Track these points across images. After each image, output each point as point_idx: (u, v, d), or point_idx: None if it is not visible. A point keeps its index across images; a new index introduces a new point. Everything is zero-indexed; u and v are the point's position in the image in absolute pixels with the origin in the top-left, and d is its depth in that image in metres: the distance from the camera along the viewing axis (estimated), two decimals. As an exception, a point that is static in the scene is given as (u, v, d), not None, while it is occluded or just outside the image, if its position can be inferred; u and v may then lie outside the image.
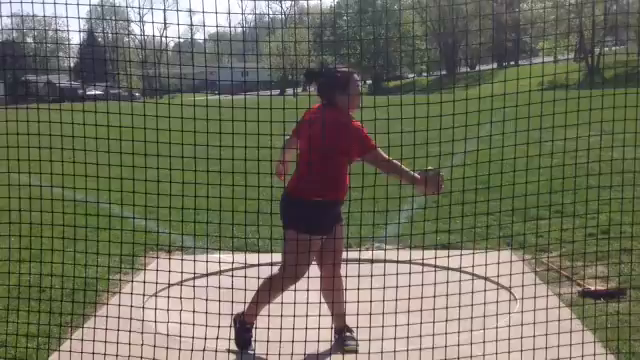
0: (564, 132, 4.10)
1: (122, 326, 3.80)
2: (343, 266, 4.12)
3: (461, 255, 3.99)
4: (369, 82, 46.76)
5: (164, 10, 4.59)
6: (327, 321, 4.13)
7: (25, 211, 4.29)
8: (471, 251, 4.84)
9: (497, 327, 3.74)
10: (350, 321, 4.14)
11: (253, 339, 4.09)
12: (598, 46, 42.00)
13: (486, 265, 4.00)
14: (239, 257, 4.55)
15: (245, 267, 4.30)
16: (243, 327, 4.14)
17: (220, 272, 4.58)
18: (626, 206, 4.67)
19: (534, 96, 4.16)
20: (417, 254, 4.72)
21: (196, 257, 5.20)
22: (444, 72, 42.92)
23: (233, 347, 4.03)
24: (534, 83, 4.31)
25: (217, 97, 4.49)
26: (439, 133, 3.86)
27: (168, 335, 3.84)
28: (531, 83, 4.15)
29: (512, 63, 43.36)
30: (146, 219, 6.26)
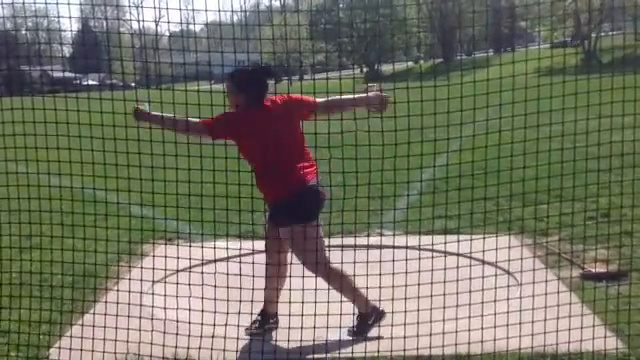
0: (563, 116, 4.10)
1: (128, 312, 3.81)
2: (352, 252, 4.17)
3: (471, 240, 4.00)
4: (365, 69, 46.64)
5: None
6: (335, 308, 4.13)
7: (34, 199, 4.28)
8: (476, 236, 4.84)
9: (508, 312, 3.74)
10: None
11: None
12: (595, 31, 41.89)
13: (497, 250, 4.02)
14: (246, 244, 4.55)
15: (253, 253, 4.30)
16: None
17: (228, 259, 4.57)
18: (626, 189, 4.66)
19: (532, 81, 4.15)
20: (418, 240, 4.71)
21: (202, 244, 5.20)
22: (441, 59, 42.81)
23: (242, 334, 4.04)
24: (531, 68, 4.30)
25: (216, 86, 4.47)
26: (437, 118, 3.86)
27: (178, 321, 3.84)
28: (525, 67, 4.14)
29: (509, 49, 43.22)
30: (153, 206, 6.25)
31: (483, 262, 4.43)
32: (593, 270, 5.09)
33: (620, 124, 4.14)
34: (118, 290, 4.27)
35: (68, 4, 4.09)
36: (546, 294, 3.80)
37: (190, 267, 4.29)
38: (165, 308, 3.95)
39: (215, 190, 3.89)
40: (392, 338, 3.62)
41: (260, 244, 4.83)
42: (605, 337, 3.72)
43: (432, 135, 3.89)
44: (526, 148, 4.11)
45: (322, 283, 3.87)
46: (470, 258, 4.39)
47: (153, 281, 4.35)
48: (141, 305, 3.95)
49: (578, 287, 4.69)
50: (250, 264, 3.89)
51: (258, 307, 4.21)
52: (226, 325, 3.64)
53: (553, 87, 4.07)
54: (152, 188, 3.88)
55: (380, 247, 4.50)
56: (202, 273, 3.92)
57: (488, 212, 5.34)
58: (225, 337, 3.67)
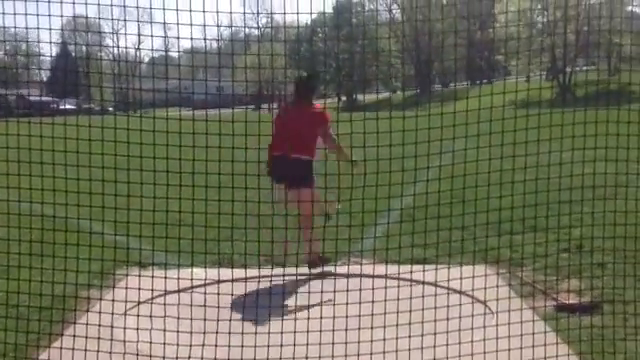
0: (537, 148, 4.14)
1: (91, 345, 3.73)
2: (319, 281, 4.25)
3: (436, 269, 3.99)
4: (343, 98, 46.92)
5: (137, 22, 4.54)
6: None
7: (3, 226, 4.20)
8: (446, 265, 4.85)
9: (472, 341, 3.73)
10: (326, 336, 4.11)
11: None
12: (569, 65, 42.70)
13: (461, 279, 4.00)
14: (212, 273, 4.51)
15: (218, 282, 4.26)
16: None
17: (192, 288, 4.54)
18: (598, 220, 4.71)
19: (506, 114, 4.20)
20: (393, 269, 4.71)
21: (168, 273, 5.14)
22: (418, 90, 43.29)
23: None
24: (506, 100, 4.37)
25: (191, 112, 4.46)
26: (414, 148, 3.88)
27: (138, 355, 3.77)
28: (500, 100, 4.20)
29: (485, 81, 43.88)
30: (115, 234, 6.19)
31: (448, 290, 4.43)
32: (566, 301, 5.11)
33: (592, 157, 4.20)
34: (75, 323, 4.19)
35: (49, 29, 4.07)
36: (509, 324, 3.80)
37: (152, 298, 4.24)
38: (125, 341, 3.88)
39: (180, 218, 3.86)
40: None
41: (226, 272, 4.80)
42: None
43: (400, 165, 3.91)
44: (501, 178, 4.14)
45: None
46: (436, 286, 4.39)
47: (112, 313, 4.27)
48: (99, 339, 3.87)
49: (551, 317, 4.71)
50: (215, 294, 3.86)
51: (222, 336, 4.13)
52: (189, 359, 3.57)
53: (525, 119, 4.12)
54: (114, 216, 3.83)
55: (347, 276, 4.48)
56: (164, 304, 3.87)
57: (462, 241, 5.36)
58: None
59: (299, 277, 5.33)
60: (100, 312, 4.04)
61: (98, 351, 3.70)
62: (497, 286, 4.57)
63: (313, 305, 5.02)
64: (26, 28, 4.23)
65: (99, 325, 3.89)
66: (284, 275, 5.34)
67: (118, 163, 3.92)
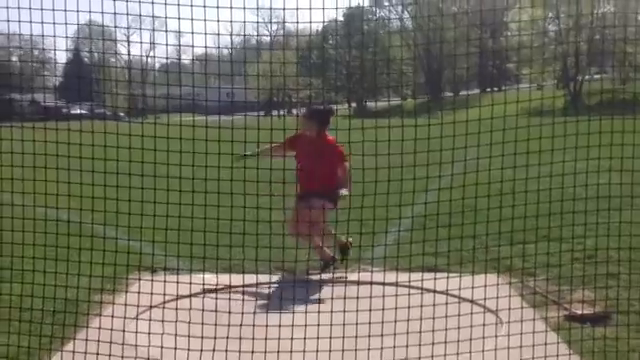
0: (550, 157, 4.12)
1: (102, 349, 3.74)
2: (329, 287, 4.23)
3: (448, 278, 3.98)
4: (354, 105, 46.92)
5: (152, 30, 4.58)
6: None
7: (7, 231, 4.23)
8: (458, 274, 4.84)
9: (483, 350, 3.72)
10: (336, 343, 4.10)
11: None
12: (581, 74, 42.51)
13: (472, 288, 3.99)
14: (224, 278, 4.52)
15: (229, 288, 4.27)
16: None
17: (203, 293, 4.54)
18: (612, 231, 4.68)
19: (518, 121, 4.19)
20: (403, 276, 4.70)
21: (180, 278, 5.16)
22: (429, 97, 43.26)
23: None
24: (517, 108, 4.36)
25: (203, 118, 4.49)
26: (426, 156, 3.88)
27: (149, 359, 3.78)
28: (512, 108, 4.19)
29: (496, 89, 43.79)
30: (128, 239, 6.19)
31: (459, 299, 4.41)
32: (578, 312, 5.07)
33: (607, 167, 4.17)
34: (88, 327, 4.20)
35: (66, 37, 4.10)
36: (521, 334, 3.78)
37: (164, 302, 4.26)
38: (136, 346, 3.89)
39: (192, 224, 3.88)
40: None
41: (237, 278, 4.81)
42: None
43: (412, 173, 3.90)
44: (514, 187, 4.12)
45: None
46: (447, 295, 4.37)
47: (124, 317, 4.29)
48: (111, 343, 3.89)
49: (563, 328, 4.67)
50: (236, 296, 3.86)
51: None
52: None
53: (534, 128, 4.11)
54: (127, 221, 3.85)
55: (358, 283, 4.48)
56: (176, 309, 3.88)
57: (474, 249, 5.34)
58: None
59: (310, 283, 5.32)
60: (112, 316, 4.06)
61: (110, 355, 3.72)
62: (509, 296, 4.56)
63: (323, 311, 5.03)
64: (42, 36, 4.27)
65: (111, 329, 3.91)
66: (295, 281, 5.34)
67: (132, 169, 3.95)
